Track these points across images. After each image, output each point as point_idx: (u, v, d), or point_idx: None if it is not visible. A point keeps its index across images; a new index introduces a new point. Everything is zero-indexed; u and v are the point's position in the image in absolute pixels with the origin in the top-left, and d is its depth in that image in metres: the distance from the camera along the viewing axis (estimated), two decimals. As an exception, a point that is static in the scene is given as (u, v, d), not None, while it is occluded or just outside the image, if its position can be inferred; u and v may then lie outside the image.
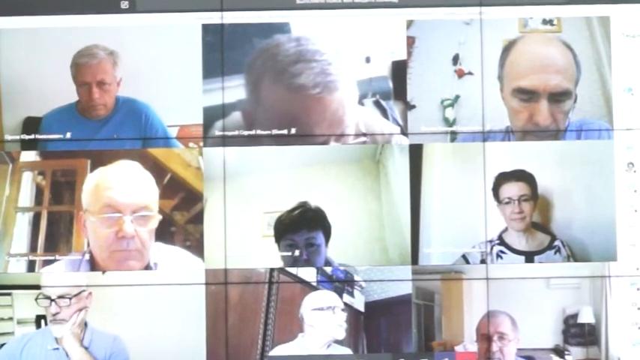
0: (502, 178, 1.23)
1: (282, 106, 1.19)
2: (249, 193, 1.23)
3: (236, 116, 1.22)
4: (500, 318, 1.22)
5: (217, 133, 1.22)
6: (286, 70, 1.18)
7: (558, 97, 1.21)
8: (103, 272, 1.21)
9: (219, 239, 1.22)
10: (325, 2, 1.23)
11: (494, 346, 1.21)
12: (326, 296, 1.22)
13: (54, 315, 1.21)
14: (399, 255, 1.22)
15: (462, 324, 1.22)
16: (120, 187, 1.20)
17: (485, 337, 1.21)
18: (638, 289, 1.22)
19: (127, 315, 1.21)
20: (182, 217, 1.23)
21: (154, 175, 1.22)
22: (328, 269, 1.23)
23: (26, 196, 1.24)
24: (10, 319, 1.22)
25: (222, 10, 1.23)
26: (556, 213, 1.24)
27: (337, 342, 1.22)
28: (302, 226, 1.22)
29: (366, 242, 1.23)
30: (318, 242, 1.22)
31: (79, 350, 1.20)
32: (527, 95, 1.21)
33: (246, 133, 1.22)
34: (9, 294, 1.22)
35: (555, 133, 1.23)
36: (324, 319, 1.22)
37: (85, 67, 1.23)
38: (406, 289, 1.21)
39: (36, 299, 1.21)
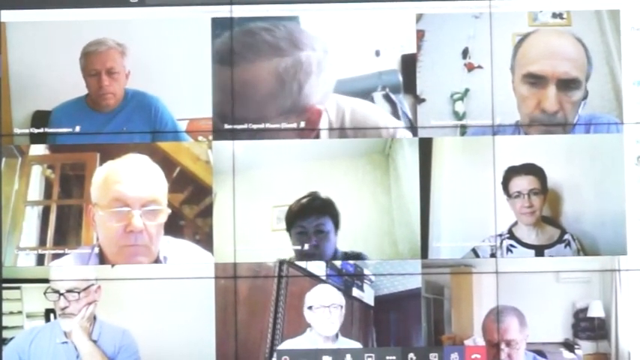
0: (512, 172, 1.23)
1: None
2: (258, 187, 1.23)
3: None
4: (506, 322, 1.21)
5: (226, 126, 1.22)
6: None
7: (567, 84, 1.21)
8: (112, 266, 1.21)
9: (228, 233, 1.22)
10: (334, -5, 1.24)
11: (503, 354, 1.21)
12: (318, 294, 1.22)
13: (63, 309, 1.20)
14: (409, 249, 1.22)
15: (472, 318, 1.22)
16: (129, 181, 1.19)
17: (492, 344, 1.21)
18: (648, 283, 1.22)
19: (136, 309, 1.21)
20: (191, 210, 1.23)
21: (163, 169, 1.22)
22: (337, 263, 1.22)
23: (35, 189, 1.24)
24: (20, 312, 1.21)
25: (231, 3, 1.23)
26: (566, 207, 1.23)
27: (346, 335, 1.22)
28: (311, 213, 1.22)
29: (375, 236, 1.23)
30: (327, 229, 1.22)
31: (87, 344, 1.20)
32: (536, 80, 1.21)
33: (255, 126, 1.22)
34: (18, 287, 1.21)
35: (564, 126, 1.22)
36: (315, 316, 1.22)
37: (94, 55, 1.23)
38: (416, 282, 1.21)
39: (45, 293, 1.21)
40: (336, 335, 1.22)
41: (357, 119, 1.22)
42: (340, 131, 1.22)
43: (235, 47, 1.19)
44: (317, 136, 1.21)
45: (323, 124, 1.21)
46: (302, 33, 1.20)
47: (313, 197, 1.22)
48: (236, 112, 1.20)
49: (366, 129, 1.22)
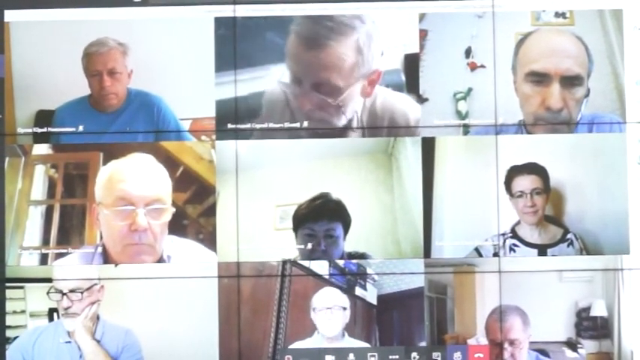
0: (514, 172, 1.23)
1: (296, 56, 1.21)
2: (261, 186, 1.23)
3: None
4: (509, 322, 1.21)
5: (230, 126, 1.22)
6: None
7: (570, 81, 1.21)
8: (116, 265, 1.21)
9: (231, 232, 1.22)
10: (337, -5, 1.24)
11: (506, 354, 1.21)
12: (321, 296, 1.23)
13: (66, 309, 1.21)
14: (412, 248, 1.22)
15: (475, 317, 1.22)
16: (133, 180, 1.20)
17: (495, 343, 1.21)
18: (650, 282, 1.22)
19: (139, 308, 1.21)
20: (195, 210, 1.23)
21: (167, 168, 1.22)
22: (341, 262, 1.23)
23: (39, 189, 1.24)
24: (23, 312, 1.21)
25: (234, 3, 1.23)
26: (568, 206, 1.23)
27: (350, 334, 1.22)
28: (322, 217, 1.22)
29: (378, 235, 1.23)
30: (337, 234, 1.22)
31: (90, 343, 1.20)
32: (539, 78, 1.21)
33: (258, 126, 1.22)
34: (21, 287, 1.22)
35: (567, 125, 1.23)
36: (318, 318, 1.22)
37: (95, 56, 1.23)
38: (419, 282, 1.21)
39: (48, 293, 1.21)
40: (342, 334, 1.22)
41: (386, 105, 1.23)
42: (370, 115, 1.23)
43: (320, 31, 1.20)
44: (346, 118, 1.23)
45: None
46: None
47: (325, 200, 1.22)
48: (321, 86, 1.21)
49: (374, 128, 1.23)
